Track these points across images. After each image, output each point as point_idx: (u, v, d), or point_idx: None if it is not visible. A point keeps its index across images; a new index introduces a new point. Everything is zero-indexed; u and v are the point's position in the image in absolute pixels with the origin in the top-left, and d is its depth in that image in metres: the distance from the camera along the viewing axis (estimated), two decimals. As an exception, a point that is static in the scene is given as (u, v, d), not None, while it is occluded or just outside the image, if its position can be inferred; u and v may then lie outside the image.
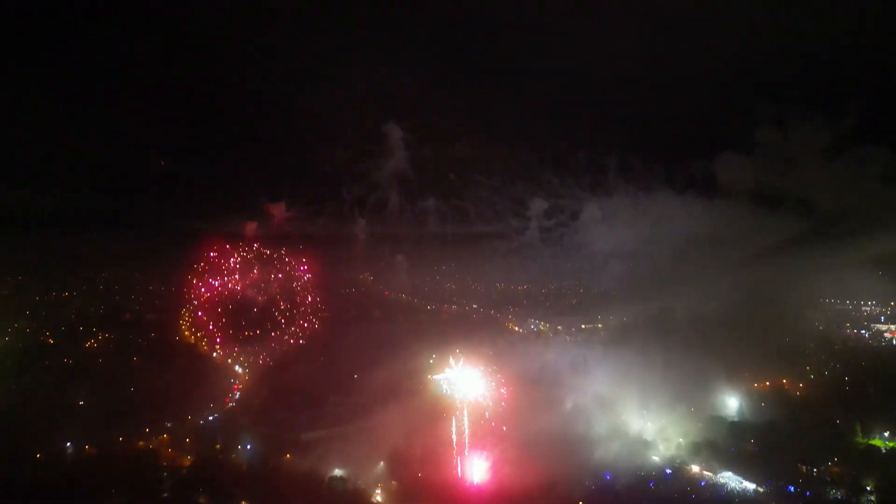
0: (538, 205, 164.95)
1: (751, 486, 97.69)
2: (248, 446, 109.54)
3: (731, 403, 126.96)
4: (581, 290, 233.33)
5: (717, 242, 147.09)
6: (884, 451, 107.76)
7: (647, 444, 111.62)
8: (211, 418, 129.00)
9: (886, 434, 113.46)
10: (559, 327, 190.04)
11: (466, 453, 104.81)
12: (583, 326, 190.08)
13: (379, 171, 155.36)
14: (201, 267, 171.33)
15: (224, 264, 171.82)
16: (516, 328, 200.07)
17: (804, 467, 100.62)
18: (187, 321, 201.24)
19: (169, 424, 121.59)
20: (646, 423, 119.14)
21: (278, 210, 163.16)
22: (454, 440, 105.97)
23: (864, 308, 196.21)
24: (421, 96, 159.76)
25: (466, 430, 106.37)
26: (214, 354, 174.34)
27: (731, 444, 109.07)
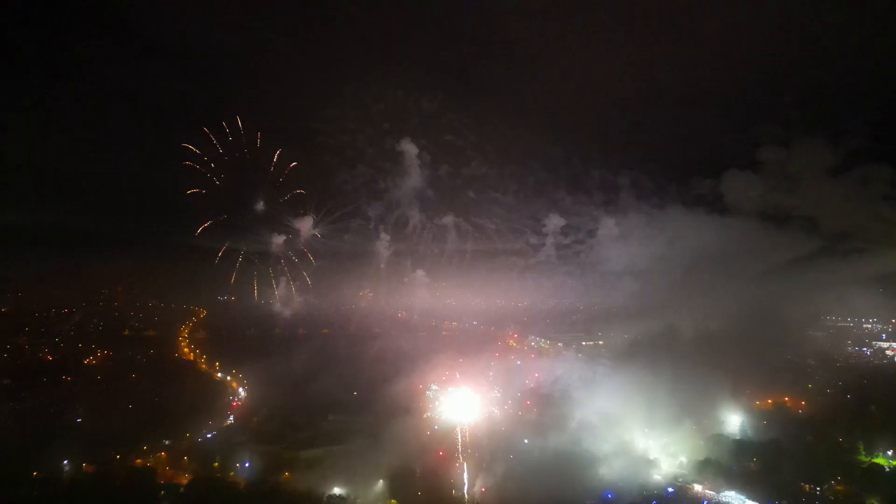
0: (539, 223, 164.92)
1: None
2: (247, 464, 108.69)
3: (734, 421, 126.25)
4: (582, 308, 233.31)
5: (718, 260, 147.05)
6: (887, 469, 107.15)
7: (649, 463, 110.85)
8: (209, 436, 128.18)
9: (890, 452, 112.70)
10: (560, 344, 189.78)
11: (468, 471, 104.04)
12: (584, 343, 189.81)
13: (387, 188, 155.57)
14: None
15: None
16: (517, 345, 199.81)
17: (807, 486, 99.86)
18: (186, 338, 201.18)
19: (167, 442, 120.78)
20: (648, 440, 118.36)
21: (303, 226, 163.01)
22: (456, 458, 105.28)
23: (865, 326, 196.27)
24: (436, 116, 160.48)
25: (468, 448, 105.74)
26: (218, 375, 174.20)
27: (733, 463, 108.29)
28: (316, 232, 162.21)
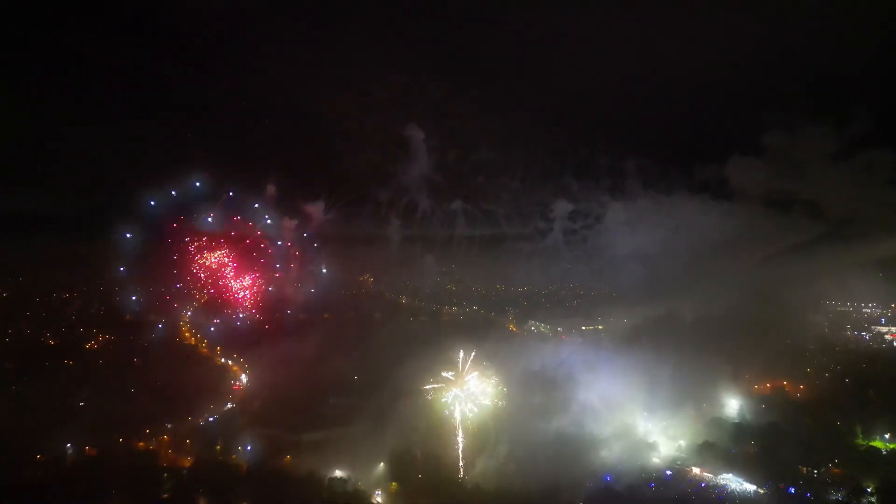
0: (540, 209, 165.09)
1: (751, 487, 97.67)
2: (248, 447, 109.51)
3: (733, 405, 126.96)
4: (582, 293, 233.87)
5: (720, 245, 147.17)
6: (884, 452, 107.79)
7: (648, 446, 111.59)
8: (211, 419, 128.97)
9: (887, 436, 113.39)
10: (560, 329, 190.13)
11: (468, 454, 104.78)
12: (583, 328, 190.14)
13: (389, 173, 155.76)
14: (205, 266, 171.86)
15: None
16: (517, 330, 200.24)
17: (805, 469, 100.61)
18: (188, 322, 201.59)
19: (169, 425, 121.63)
20: (648, 424, 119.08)
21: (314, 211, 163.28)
22: (455, 441, 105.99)
23: (864, 310, 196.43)
24: (443, 102, 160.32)
25: (468, 432, 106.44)
26: (222, 359, 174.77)
27: (732, 446, 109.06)
28: (320, 217, 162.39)
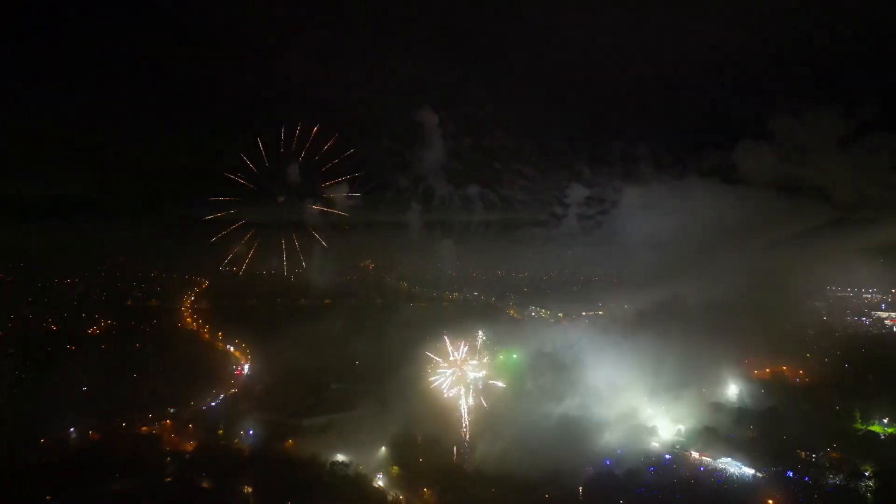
0: (540, 194, 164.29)
1: (750, 471, 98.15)
2: (251, 432, 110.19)
3: (732, 390, 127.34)
4: (582, 278, 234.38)
5: (725, 230, 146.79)
6: (882, 436, 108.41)
7: (648, 430, 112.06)
8: (213, 404, 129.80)
9: (885, 420, 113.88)
10: (560, 314, 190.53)
11: (469, 438, 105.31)
12: (584, 314, 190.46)
13: (393, 159, 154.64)
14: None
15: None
16: (517, 315, 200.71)
17: (803, 453, 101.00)
18: (189, 308, 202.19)
19: (172, 410, 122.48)
20: (648, 409, 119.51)
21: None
22: (456, 425, 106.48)
23: (865, 295, 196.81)
24: (456, 89, 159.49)
25: (468, 416, 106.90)
26: (222, 344, 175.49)
27: (731, 430, 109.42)
28: (324, 203, 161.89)
